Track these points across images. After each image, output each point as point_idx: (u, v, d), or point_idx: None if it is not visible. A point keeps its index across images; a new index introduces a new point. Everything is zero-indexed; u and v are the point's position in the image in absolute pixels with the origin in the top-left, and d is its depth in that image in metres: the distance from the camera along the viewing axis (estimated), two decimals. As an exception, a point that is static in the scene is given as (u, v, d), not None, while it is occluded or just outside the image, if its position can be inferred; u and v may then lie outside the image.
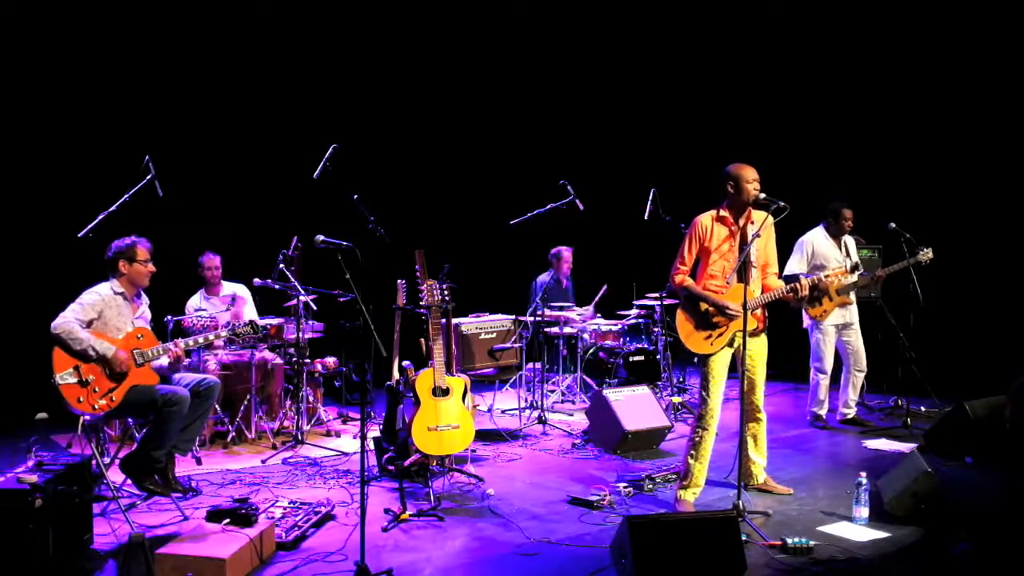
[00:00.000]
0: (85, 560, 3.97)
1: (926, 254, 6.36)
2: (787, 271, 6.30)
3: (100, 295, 4.52)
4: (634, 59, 9.45)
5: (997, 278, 8.03)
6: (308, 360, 6.46)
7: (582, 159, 8.87)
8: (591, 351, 7.67)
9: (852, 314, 6.63)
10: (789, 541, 4.06)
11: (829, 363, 6.62)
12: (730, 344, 4.68)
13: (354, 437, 6.45)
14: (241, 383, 6.37)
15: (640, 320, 7.88)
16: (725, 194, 4.69)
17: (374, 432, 5.70)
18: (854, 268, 6.34)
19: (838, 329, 6.60)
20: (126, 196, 5.13)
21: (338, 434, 6.66)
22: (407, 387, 5.16)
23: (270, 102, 8.10)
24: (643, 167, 8.77)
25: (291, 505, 4.57)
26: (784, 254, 5.88)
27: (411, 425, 4.96)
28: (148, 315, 4.80)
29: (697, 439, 4.74)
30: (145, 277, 4.68)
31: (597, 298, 8.06)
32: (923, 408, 7.15)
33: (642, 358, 7.39)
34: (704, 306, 4.68)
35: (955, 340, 7.84)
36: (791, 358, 7.15)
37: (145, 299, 4.80)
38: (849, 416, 6.77)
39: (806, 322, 6.71)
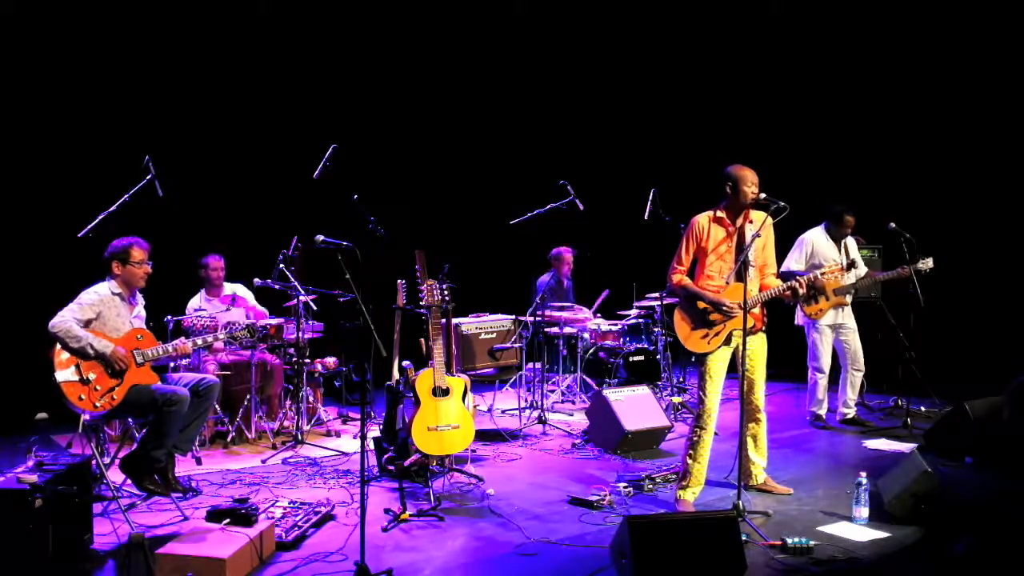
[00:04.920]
0: (85, 560, 3.98)
1: (926, 263, 6.35)
2: (785, 267, 6.30)
3: (98, 295, 4.53)
4: (634, 59, 9.45)
5: (997, 278, 8.03)
6: (308, 360, 6.46)
7: (582, 159, 8.86)
8: (591, 351, 7.66)
9: (847, 315, 6.62)
10: (789, 541, 4.07)
11: (827, 362, 6.62)
12: (727, 343, 4.68)
13: (354, 437, 6.45)
14: (241, 383, 6.37)
15: (640, 320, 7.88)
16: (724, 194, 4.70)
17: (374, 432, 5.70)
18: (850, 265, 6.35)
19: (833, 329, 6.60)
20: (126, 196, 5.14)
21: (338, 434, 6.66)
22: (407, 387, 5.15)
23: (270, 102, 8.09)
24: (643, 167, 8.76)
25: (291, 505, 4.57)
26: (781, 254, 5.88)
27: (411, 425, 4.96)
28: (143, 315, 4.81)
29: (695, 439, 4.74)
30: (140, 278, 4.67)
31: (599, 302, 8.07)
32: (923, 408, 7.14)
33: (642, 358, 7.39)
34: (701, 305, 4.68)
35: (955, 340, 7.83)
36: (790, 358, 7.15)
37: (141, 300, 4.81)
38: (849, 416, 6.76)
39: (798, 319, 6.71)
